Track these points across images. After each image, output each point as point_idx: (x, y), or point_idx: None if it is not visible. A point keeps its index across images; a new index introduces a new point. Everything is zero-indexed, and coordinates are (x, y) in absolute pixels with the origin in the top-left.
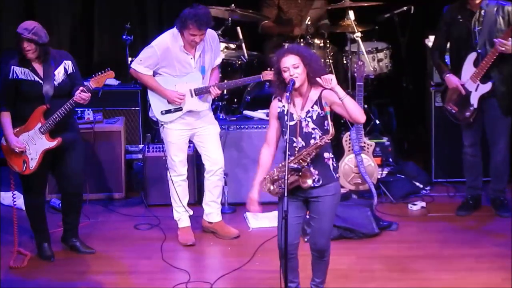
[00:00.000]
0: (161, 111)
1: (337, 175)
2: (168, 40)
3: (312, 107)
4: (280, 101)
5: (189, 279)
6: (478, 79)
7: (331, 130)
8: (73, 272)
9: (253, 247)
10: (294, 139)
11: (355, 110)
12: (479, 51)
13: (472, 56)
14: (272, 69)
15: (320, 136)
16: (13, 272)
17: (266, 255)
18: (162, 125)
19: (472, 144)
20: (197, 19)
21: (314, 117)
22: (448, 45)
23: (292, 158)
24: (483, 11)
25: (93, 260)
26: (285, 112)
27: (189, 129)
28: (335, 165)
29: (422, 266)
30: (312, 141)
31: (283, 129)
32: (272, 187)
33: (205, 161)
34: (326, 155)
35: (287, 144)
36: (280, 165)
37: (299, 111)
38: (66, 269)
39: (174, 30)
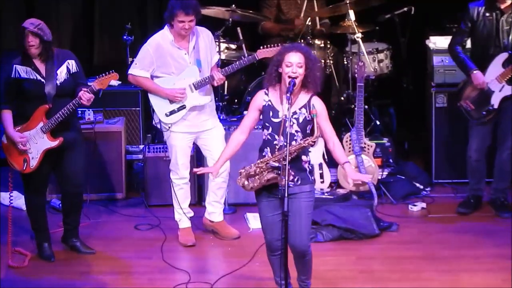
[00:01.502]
0: (165, 113)
1: (312, 178)
2: (159, 37)
3: (300, 109)
4: (267, 94)
5: (189, 279)
6: (505, 80)
7: (316, 132)
8: (73, 272)
9: (253, 247)
10: (276, 136)
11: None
12: (510, 52)
13: (503, 56)
14: (267, 47)
15: (301, 139)
16: (12, 272)
17: (266, 255)
18: (168, 128)
19: (479, 149)
20: (183, 5)
21: (300, 120)
22: (469, 41)
23: (271, 156)
24: None
25: (93, 260)
26: (271, 108)
27: (194, 132)
28: (311, 168)
29: (422, 266)
30: (293, 143)
31: (266, 124)
32: (246, 182)
33: (210, 163)
34: (304, 157)
35: (287, 141)
36: (259, 161)
37: (286, 110)
38: (66, 269)
39: (164, 29)
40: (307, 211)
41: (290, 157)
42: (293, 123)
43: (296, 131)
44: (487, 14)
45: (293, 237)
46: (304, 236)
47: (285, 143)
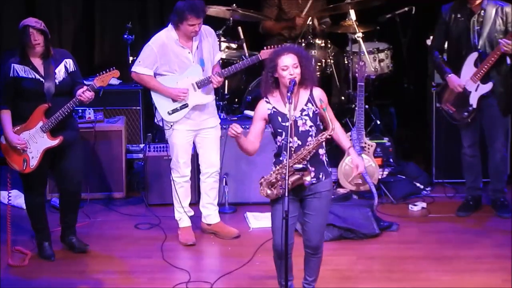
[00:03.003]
0: (168, 112)
1: (330, 170)
2: (163, 36)
3: (306, 105)
4: (268, 102)
5: (190, 279)
6: (479, 79)
7: (331, 125)
8: (73, 271)
9: (253, 247)
10: (290, 139)
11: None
12: (480, 51)
13: (473, 56)
14: (270, 47)
15: (315, 133)
16: (13, 271)
17: (267, 255)
18: (170, 126)
19: (471, 144)
20: (194, 8)
21: (311, 115)
22: (446, 44)
23: (290, 159)
24: (483, 11)
25: (93, 259)
26: (278, 113)
27: (195, 130)
28: (327, 160)
29: (423, 266)
30: (309, 139)
31: (278, 130)
32: (269, 192)
33: (201, 162)
34: (321, 151)
35: (288, 145)
36: (278, 167)
37: (292, 111)
38: (66, 268)
39: (168, 27)
40: (326, 209)
41: (310, 155)
42: (306, 119)
43: (311, 127)
44: (459, 16)
45: (309, 232)
46: (320, 232)
47: (299, 144)
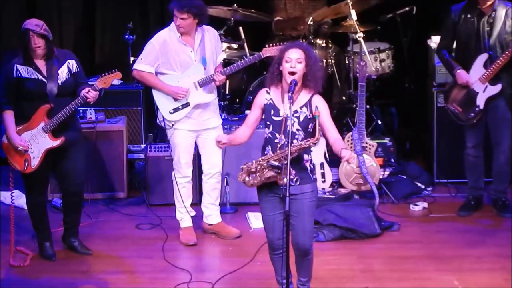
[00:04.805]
0: (169, 111)
1: (314, 176)
2: (165, 34)
3: (301, 108)
4: (269, 93)
5: (191, 279)
6: (487, 80)
7: (317, 134)
8: (74, 272)
9: (254, 247)
10: (277, 135)
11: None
12: (490, 52)
13: (483, 57)
14: (272, 45)
15: (302, 138)
16: (14, 271)
17: (268, 255)
18: (172, 126)
19: (475, 145)
20: (178, 1)
21: (301, 119)
22: (454, 44)
23: (273, 154)
24: (493, 12)
25: (95, 259)
26: (273, 106)
27: (196, 130)
28: (312, 166)
29: (424, 266)
30: (294, 141)
31: (267, 122)
32: (247, 178)
33: (204, 163)
34: (305, 156)
35: (289, 140)
36: (260, 159)
37: (287, 109)
38: (67, 269)
39: (170, 26)
40: (310, 211)
41: (291, 157)
42: (294, 121)
43: (297, 130)
44: (469, 16)
45: (296, 236)
46: (306, 235)
47: (287, 142)
